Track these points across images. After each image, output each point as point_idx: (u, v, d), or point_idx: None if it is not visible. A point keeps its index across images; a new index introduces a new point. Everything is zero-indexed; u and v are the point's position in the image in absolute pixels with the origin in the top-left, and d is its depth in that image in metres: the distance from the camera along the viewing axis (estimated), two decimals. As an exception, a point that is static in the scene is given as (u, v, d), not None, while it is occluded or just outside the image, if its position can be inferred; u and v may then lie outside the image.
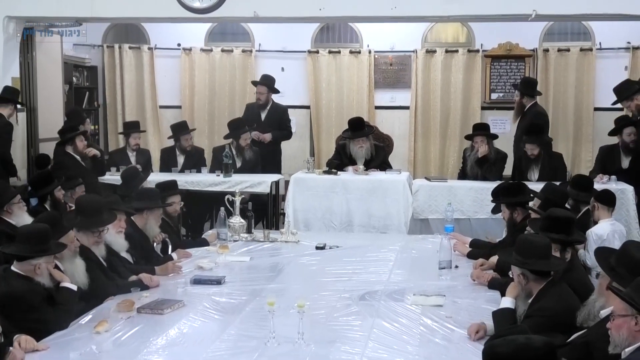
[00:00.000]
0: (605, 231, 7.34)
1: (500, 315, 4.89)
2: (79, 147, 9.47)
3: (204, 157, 10.90)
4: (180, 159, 10.54)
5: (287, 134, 11.32)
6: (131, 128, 10.67)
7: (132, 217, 6.93)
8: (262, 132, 10.79)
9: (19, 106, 9.60)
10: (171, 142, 10.83)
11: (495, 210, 7.67)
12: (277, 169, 10.94)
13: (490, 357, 3.43)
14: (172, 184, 7.97)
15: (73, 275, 5.45)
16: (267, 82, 11.11)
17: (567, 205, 7.47)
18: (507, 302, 5.01)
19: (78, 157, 9.46)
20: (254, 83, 11.29)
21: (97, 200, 6.45)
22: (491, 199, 7.61)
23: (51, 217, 5.68)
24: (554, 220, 5.56)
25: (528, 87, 10.28)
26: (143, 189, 7.53)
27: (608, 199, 7.57)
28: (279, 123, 11.14)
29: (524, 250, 4.92)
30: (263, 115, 11.03)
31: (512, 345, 3.38)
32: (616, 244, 6.96)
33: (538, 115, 10.03)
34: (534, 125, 9.66)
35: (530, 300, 4.85)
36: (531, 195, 7.36)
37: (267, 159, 10.69)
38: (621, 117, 9.79)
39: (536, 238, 5.12)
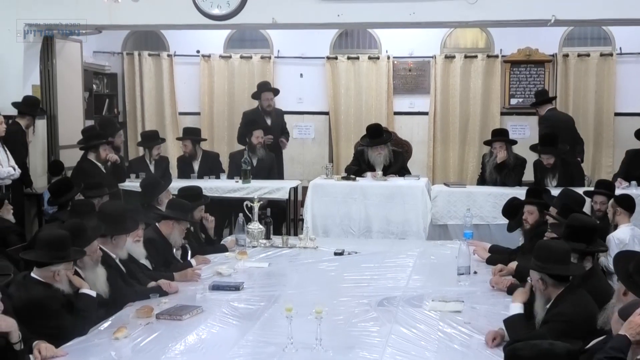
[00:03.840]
0: (627, 235, 7.41)
1: (512, 322, 4.85)
2: (102, 155, 9.51)
3: (220, 161, 10.91)
4: (196, 166, 10.55)
5: (288, 136, 11.44)
6: (152, 141, 10.55)
7: (157, 224, 6.96)
8: (270, 136, 10.77)
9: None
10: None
11: (510, 228, 7.61)
12: (280, 175, 10.98)
13: None
14: (197, 195, 7.95)
15: (94, 284, 5.47)
16: (273, 88, 11.26)
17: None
18: (516, 308, 4.97)
19: (99, 165, 9.49)
20: (261, 90, 11.22)
21: (120, 207, 6.47)
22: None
23: (76, 225, 5.69)
24: (575, 228, 5.51)
25: (536, 96, 10.47)
26: (177, 200, 7.49)
27: (629, 205, 7.60)
28: (281, 126, 11.19)
29: (543, 255, 4.89)
30: (269, 121, 11.07)
31: (535, 350, 3.37)
32: (637, 249, 6.99)
33: (545, 122, 10.20)
34: (546, 136, 9.63)
35: (548, 306, 4.82)
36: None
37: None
38: None
39: (555, 243, 5.09)
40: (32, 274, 5.07)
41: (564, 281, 4.85)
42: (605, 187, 8.14)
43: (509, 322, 4.89)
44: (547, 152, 9.39)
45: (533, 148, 9.69)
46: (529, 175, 9.96)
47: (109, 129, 10.10)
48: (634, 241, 7.35)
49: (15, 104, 9.58)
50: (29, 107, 9.58)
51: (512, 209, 7.61)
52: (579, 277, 5.07)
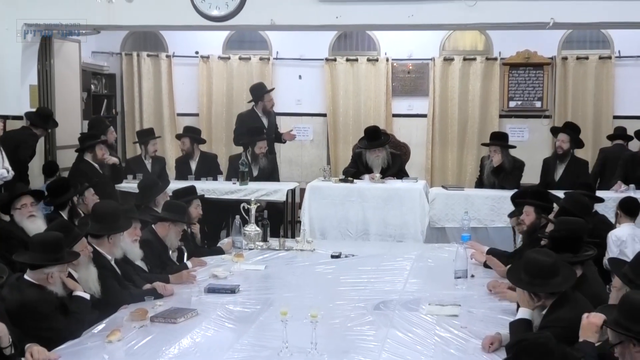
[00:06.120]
0: (625, 233, 7.40)
1: (517, 327, 4.77)
2: (98, 155, 9.49)
3: (217, 162, 10.90)
4: (193, 165, 10.54)
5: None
6: (147, 136, 10.61)
7: (153, 226, 6.93)
8: (268, 139, 10.75)
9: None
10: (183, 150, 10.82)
11: (512, 214, 7.59)
12: (276, 177, 10.94)
13: None
14: (190, 191, 7.93)
15: (87, 282, 5.46)
16: (272, 89, 11.28)
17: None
18: (524, 313, 4.89)
19: (96, 165, 9.46)
20: (264, 91, 11.12)
21: (113, 206, 6.45)
22: (510, 203, 7.60)
23: (63, 224, 5.66)
24: (558, 240, 5.42)
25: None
26: (173, 202, 7.47)
27: (629, 209, 7.55)
28: (275, 127, 11.22)
29: (532, 271, 4.74)
30: (266, 122, 11.02)
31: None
32: (637, 247, 6.99)
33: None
34: (569, 122, 9.83)
35: (544, 312, 4.77)
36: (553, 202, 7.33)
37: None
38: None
39: (542, 257, 4.89)
40: (26, 276, 5.04)
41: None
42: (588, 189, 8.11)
43: (514, 326, 4.79)
44: (567, 132, 9.53)
45: (554, 130, 9.94)
46: (527, 178, 9.92)
47: (99, 128, 10.09)
48: (634, 240, 7.33)
49: (27, 115, 9.62)
50: (42, 120, 9.58)
51: (520, 197, 7.58)
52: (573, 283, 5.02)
